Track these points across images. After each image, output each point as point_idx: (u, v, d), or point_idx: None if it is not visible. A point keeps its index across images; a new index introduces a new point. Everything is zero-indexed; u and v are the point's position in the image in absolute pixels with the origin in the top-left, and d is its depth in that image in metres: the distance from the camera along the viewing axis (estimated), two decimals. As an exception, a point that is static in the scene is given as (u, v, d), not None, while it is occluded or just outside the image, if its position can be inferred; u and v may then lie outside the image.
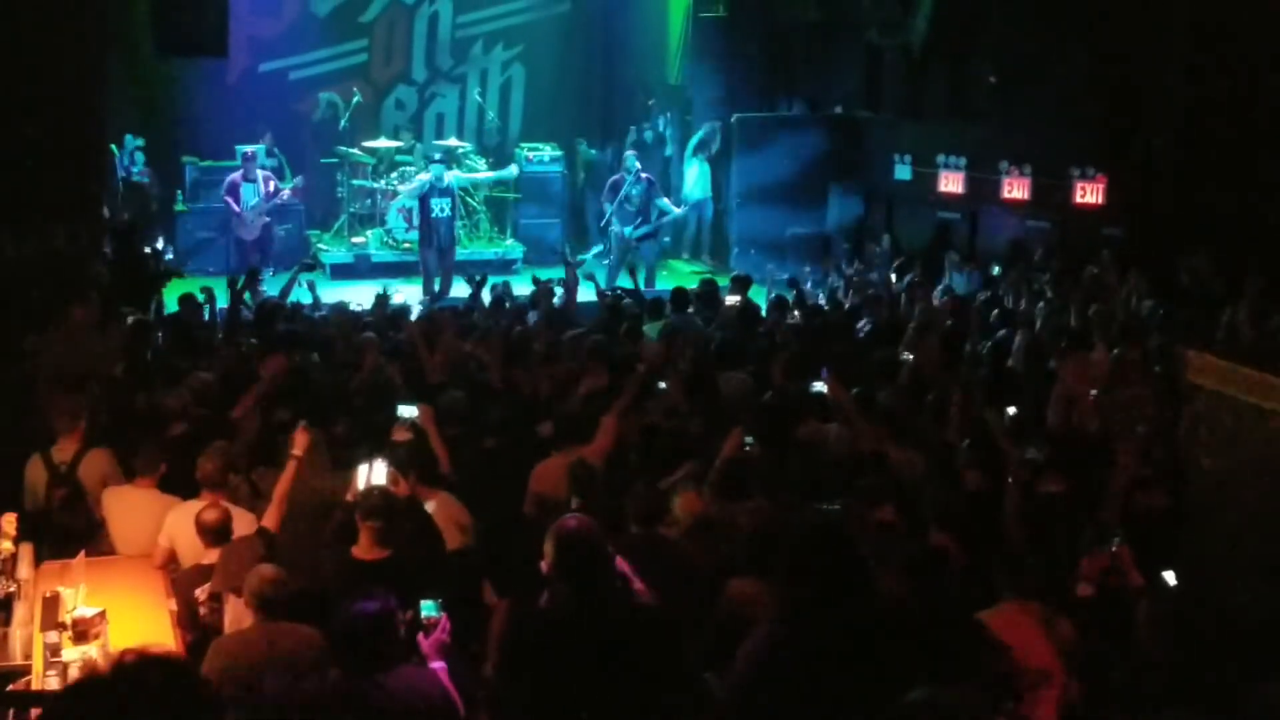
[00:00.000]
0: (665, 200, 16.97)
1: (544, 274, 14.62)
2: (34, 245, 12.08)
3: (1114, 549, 5.48)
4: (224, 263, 16.44)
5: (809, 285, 14.55)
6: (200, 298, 11.93)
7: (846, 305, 12.90)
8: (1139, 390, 8.46)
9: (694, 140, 18.40)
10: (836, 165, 17.65)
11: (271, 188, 16.86)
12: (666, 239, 18.69)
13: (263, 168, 17.13)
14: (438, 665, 5.01)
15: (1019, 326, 10.65)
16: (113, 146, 16.82)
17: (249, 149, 16.99)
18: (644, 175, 16.59)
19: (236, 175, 16.80)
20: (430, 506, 6.76)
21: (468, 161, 18.31)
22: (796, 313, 12.07)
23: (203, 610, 6.28)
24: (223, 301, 12.07)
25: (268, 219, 16.89)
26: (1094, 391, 8.69)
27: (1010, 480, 6.60)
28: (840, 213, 17.57)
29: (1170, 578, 5.56)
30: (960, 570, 5.59)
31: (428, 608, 5.13)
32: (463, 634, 5.52)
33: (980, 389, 8.64)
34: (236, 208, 16.65)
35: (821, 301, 13.67)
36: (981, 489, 6.89)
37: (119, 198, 16.98)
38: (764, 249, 17.27)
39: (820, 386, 8.23)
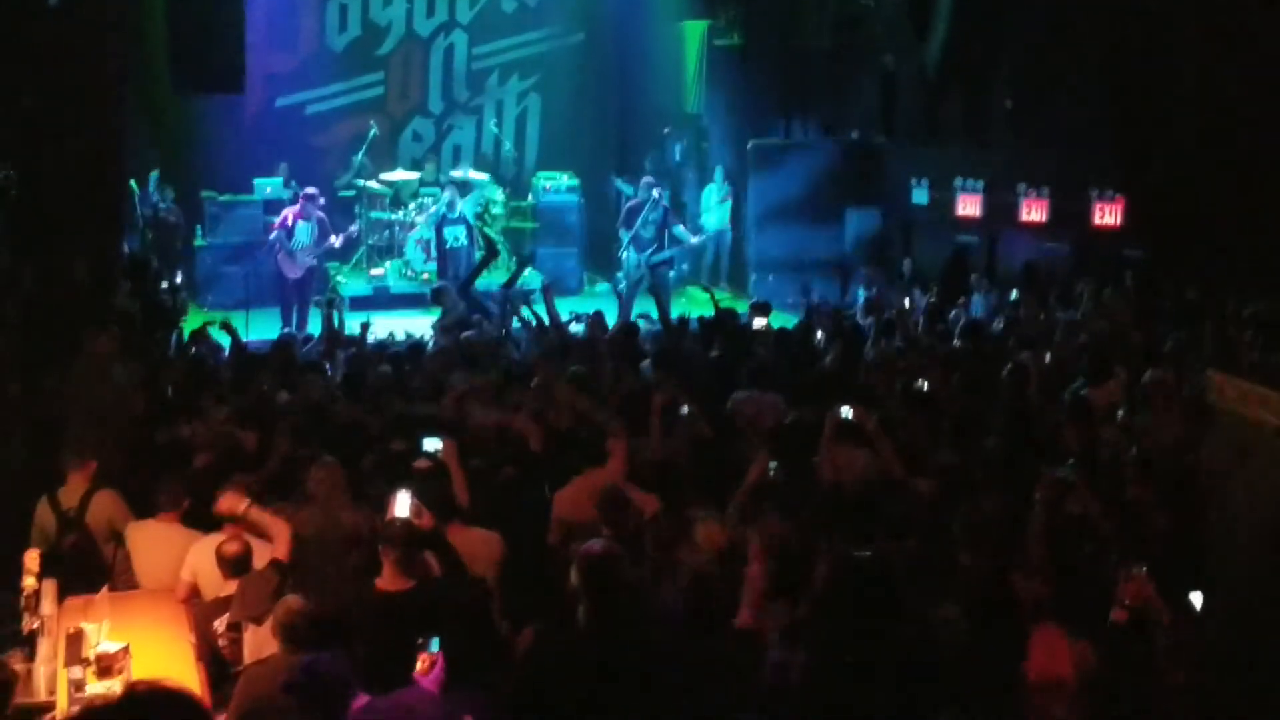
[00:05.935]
0: (681, 228, 16.93)
1: (569, 303, 14.64)
2: (54, 278, 12.12)
3: (1141, 574, 5.44)
4: (243, 296, 16.21)
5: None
6: (217, 331, 11.97)
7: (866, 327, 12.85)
8: (1163, 413, 8.41)
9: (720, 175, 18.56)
10: (854, 189, 17.66)
11: (328, 235, 16.19)
12: (685, 266, 18.69)
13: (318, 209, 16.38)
14: None
15: (1036, 350, 10.61)
16: (132, 182, 16.88)
17: (310, 189, 16.42)
18: (661, 202, 16.59)
19: (293, 210, 16.20)
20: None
21: (484, 191, 18.35)
22: (820, 334, 12.02)
23: (221, 641, 6.30)
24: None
25: (314, 262, 16.29)
26: (1120, 413, 8.66)
27: (1038, 500, 6.56)
28: (858, 237, 17.58)
29: (1197, 601, 5.52)
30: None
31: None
32: (479, 665, 5.52)
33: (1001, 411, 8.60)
34: (288, 243, 16.04)
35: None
36: (1004, 511, 6.83)
37: (141, 233, 17.05)
38: (782, 274, 17.28)
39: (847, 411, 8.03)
